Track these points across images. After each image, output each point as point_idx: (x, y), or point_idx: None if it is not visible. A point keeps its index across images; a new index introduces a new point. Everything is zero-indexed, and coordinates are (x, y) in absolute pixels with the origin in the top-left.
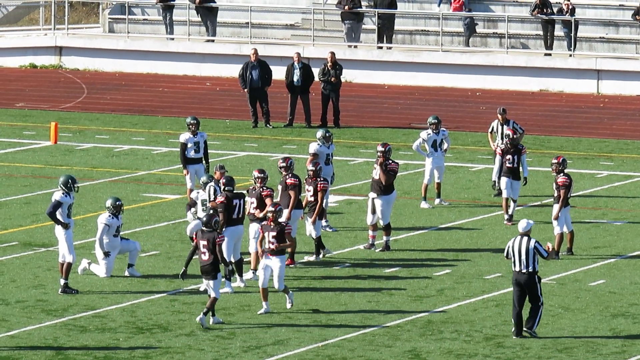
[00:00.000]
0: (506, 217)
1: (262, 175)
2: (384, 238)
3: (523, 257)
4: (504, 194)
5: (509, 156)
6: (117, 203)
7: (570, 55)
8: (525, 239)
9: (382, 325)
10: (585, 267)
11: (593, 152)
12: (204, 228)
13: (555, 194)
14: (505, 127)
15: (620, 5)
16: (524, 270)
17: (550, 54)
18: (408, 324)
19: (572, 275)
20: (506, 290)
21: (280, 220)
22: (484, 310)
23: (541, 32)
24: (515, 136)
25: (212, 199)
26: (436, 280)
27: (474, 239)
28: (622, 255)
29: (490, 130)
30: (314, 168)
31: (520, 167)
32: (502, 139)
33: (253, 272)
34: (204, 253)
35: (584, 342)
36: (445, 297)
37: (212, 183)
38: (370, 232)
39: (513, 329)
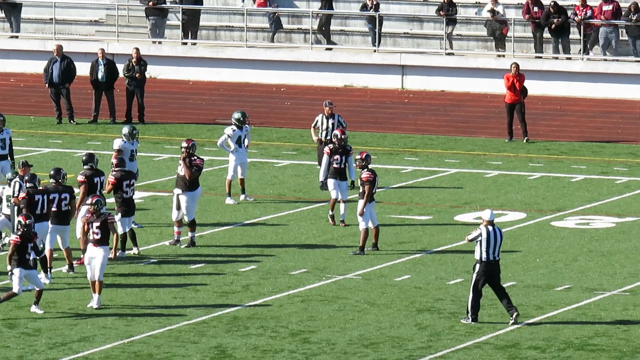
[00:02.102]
0: (335, 216)
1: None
2: (189, 234)
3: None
4: (332, 195)
5: (337, 156)
6: None
7: (375, 51)
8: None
9: (188, 322)
10: (390, 262)
11: (398, 147)
12: None
13: (360, 190)
14: (330, 120)
15: (424, 0)
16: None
17: (354, 49)
18: (214, 320)
19: (378, 271)
20: (312, 286)
21: (102, 211)
22: (289, 305)
23: (345, 28)
24: (343, 136)
25: (16, 194)
26: (242, 276)
27: (280, 234)
28: (427, 250)
29: (314, 124)
30: (115, 161)
31: (347, 169)
32: (326, 132)
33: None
34: None
35: (390, 338)
36: (251, 293)
37: (17, 179)
38: (176, 228)
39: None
